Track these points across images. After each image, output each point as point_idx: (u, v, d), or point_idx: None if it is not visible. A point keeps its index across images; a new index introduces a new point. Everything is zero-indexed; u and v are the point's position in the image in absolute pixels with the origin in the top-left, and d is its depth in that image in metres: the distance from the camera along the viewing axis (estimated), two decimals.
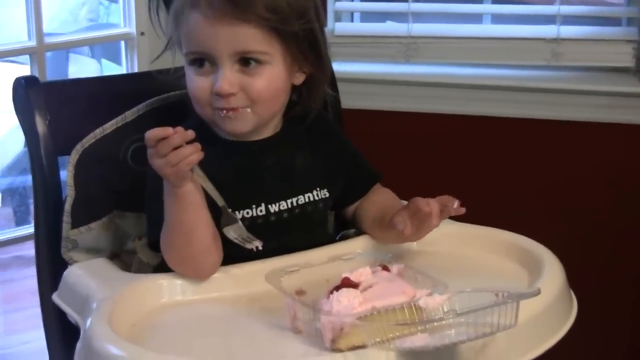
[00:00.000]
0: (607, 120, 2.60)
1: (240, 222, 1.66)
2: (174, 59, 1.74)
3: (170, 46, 1.73)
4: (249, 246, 1.65)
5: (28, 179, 1.90)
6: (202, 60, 1.66)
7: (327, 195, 1.79)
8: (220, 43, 1.63)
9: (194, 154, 1.55)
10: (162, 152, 1.54)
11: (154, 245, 1.70)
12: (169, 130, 1.54)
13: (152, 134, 1.55)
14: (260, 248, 1.65)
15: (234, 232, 1.65)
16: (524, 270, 1.70)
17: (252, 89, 1.65)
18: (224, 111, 1.66)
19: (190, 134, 1.55)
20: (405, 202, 1.74)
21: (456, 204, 1.65)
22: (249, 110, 1.67)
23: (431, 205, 1.64)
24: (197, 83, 1.67)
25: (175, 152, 1.54)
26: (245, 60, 1.65)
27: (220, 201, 1.64)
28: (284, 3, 1.65)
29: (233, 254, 1.67)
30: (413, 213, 1.66)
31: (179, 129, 1.55)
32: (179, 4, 1.66)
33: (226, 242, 1.66)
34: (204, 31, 1.63)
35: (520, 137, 2.65)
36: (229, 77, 1.64)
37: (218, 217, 1.65)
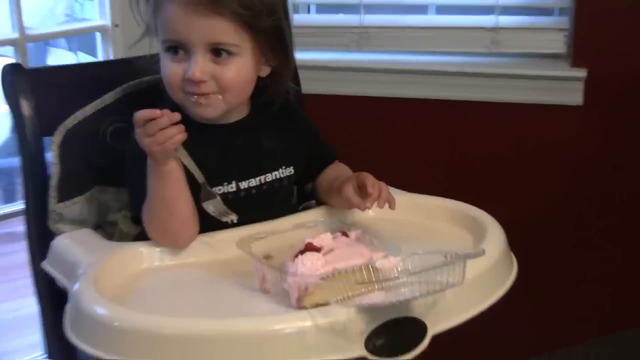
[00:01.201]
0: (542, 102, 2.62)
1: (218, 197, 1.68)
2: (151, 46, 1.74)
3: (147, 34, 1.73)
4: (225, 219, 1.67)
5: (15, 161, 1.89)
6: (176, 48, 1.66)
7: (292, 172, 1.81)
8: (195, 33, 1.63)
9: (179, 134, 1.57)
10: (150, 132, 1.56)
11: (136, 218, 1.71)
12: (156, 111, 1.56)
13: (141, 114, 1.57)
14: (235, 221, 1.67)
15: (213, 207, 1.67)
16: (469, 234, 1.73)
17: (222, 78, 1.66)
18: (195, 96, 1.66)
19: (177, 116, 1.57)
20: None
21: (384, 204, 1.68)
22: (220, 97, 1.67)
23: (375, 189, 1.67)
24: (171, 69, 1.67)
25: (163, 132, 1.56)
26: (217, 51, 1.65)
27: (200, 178, 1.66)
28: (256, 0, 1.65)
29: (208, 226, 1.69)
30: (359, 186, 1.70)
31: (166, 111, 1.56)
32: None
33: (202, 215, 1.67)
34: (180, 21, 1.64)
35: (463, 118, 2.67)
36: (201, 65, 1.64)
37: (196, 193, 1.66)
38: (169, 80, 1.68)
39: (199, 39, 1.64)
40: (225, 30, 1.64)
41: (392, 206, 1.69)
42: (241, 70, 1.68)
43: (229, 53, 1.66)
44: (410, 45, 2.72)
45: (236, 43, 1.66)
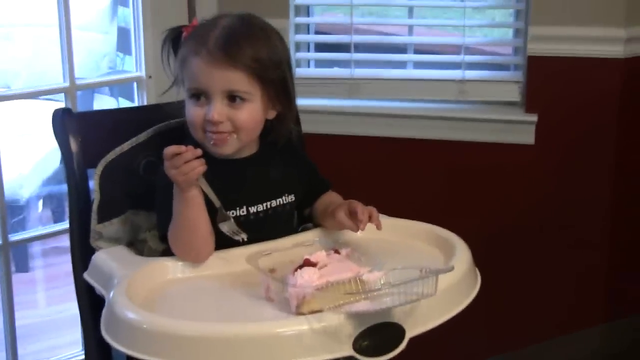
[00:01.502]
0: (501, 141, 2.60)
1: (232, 219, 1.65)
2: (178, 94, 1.72)
3: (175, 83, 1.71)
4: (237, 238, 1.64)
5: (63, 187, 1.87)
6: (199, 95, 1.64)
7: (293, 199, 1.78)
8: (215, 83, 1.62)
9: (200, 166, 1.56)
10: (176, 164, 1.55)
11: (163, 237, 1.69)
12: (182, 147, 1.56)
13: (170, 150, 1.56)
14: (246, 239, 1.65)
15: (227, 227, 1.64)
16: (441, 252, 1.70)
17: (237, 120, 1.64)
18: (214, 137, 1.65)
19: (199, 151, 1.56)
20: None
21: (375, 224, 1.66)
22: (235, 135, 1.66)
23: (365, 215, 1.65)
24: (194, 112, 1.65)
25: (187, 164, 1.55)
26: (232, 97, 1.64)
27: (217, 203, 1.63)
28: (265, 55, 1.64)
29: (223, 244, 1.66)
30: (350, 212, 1.67)
31: (190, 147, 1.56)
32: (185, 51, 1.66)
33: (218, 235, 1.65)
34: (202, 73, 1.62)
35: (436, 154, 2.65)
36: (218, 109, 1.63)
37: (213, 216, 1.64)
38: (192, 121, 1.66)
39: (218, 87, 1.63)
40: (239, 80, 1.63)
41: (379, 227, 1.67)
42: (252, 113, 1.66)
43: (242, 99, 1.64)
44: (392, 94, 2.69)
45: (248, 91, 1.64)
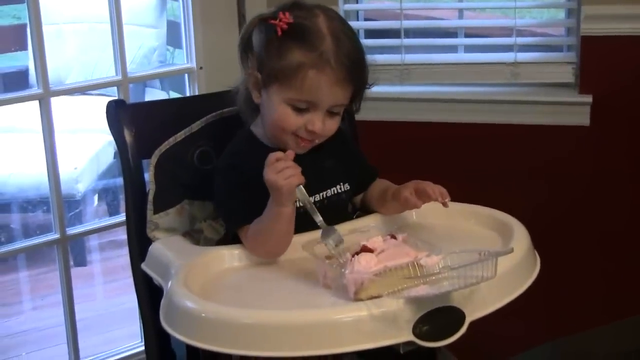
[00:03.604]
0: (555, 123, 2.57)
1: (338, 231, 1.59)
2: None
3: (266, 81, 1.64)
4: (339, 257, 1.54)
5: (118, 181, 1.88)
6: (307, 106, 1.63)
7: (348, 187, 1.76)
8: (331, 99, 1.62)
9: (300, 175, 1.55)
10: (279, 168, 1.53)
11: (234, 234, 1.66)
12: (289, 152, 1.55)
13: (274, 155, 1.55)
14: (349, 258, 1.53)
15: (332, 241, 1.58)
16: (499, 235, 1.67)
17: (327, 130, 1.65)
18: (302, 143, 1.65)
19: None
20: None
21: (445, 200, 1.64)
22: (317, 141, 1.67)
23: (437, 194, 1.63)
24: (294, 120, 1.63)
25: (289, 168, 1.53)
26: (332, 111, 1.64)
27: (318, 219, 1.60)
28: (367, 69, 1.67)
29: None
30: (419, 192, 1.65)
31: (290, 152, 1.55)
32: (298, 59, 1.60)
33: None
34: (324, 90, 1.60)
35: (488, 138, 2.62)
36: (323, 121, 1.63)
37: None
38: (286, 126, 1.64)
39: (330, 103, 1.62)
40: (347, 96, 1.64)
41: (446, 205, 1.64)
42: (338, 122, 1.68)
43: (338, 112, 1.65)
44: (443, 78, 2.67)
45: (346, 103, 1.66)
